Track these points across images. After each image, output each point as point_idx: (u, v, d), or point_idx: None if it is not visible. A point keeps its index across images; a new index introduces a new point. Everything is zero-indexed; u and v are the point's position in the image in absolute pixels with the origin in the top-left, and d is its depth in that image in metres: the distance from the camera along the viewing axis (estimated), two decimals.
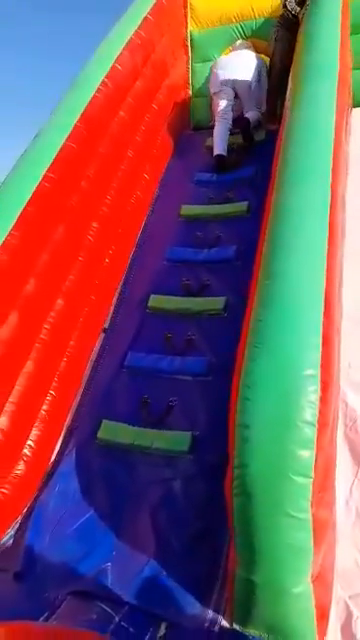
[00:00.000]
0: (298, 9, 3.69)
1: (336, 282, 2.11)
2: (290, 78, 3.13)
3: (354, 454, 2.30)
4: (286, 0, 3.79)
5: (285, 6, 3.81)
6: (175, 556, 2.08)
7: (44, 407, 2.43)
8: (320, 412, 1.64)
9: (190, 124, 4.57)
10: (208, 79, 4.21)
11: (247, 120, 3.70)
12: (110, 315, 3.10)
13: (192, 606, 1.93)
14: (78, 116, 2.64)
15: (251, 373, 1.71)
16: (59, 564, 2.12)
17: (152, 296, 3.06)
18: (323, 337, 1.76)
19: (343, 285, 2.70)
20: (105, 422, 2.55)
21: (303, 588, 1.69)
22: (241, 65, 3.77)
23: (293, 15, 3.75)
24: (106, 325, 3.06)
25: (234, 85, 3.75)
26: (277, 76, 3.74)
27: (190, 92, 4.56)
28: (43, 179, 2.35)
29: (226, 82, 3.74)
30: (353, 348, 2.57)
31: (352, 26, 3.65)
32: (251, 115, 3.78)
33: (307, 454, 1.60)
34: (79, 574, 2.07)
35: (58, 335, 2.51)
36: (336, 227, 2.21)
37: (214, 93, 3.80)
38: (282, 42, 3.80)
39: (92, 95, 2.78)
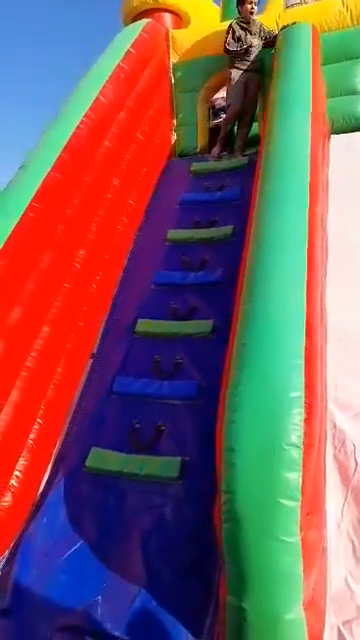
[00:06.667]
0: (237, 46, 4.15)
1: (317, 304, 2.14)
2: (266, 108, 3.24)
3: (343, 476, 2.29)
4: (226, 43, 4.18)
5: (226, 50, 4.20)
6: (166, 586, 2.04)
7: (31, 436, 2.41)
8: (305, 434, 1.65)
9: (175, 151, 4.68)
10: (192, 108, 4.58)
11: None
12: (98, 341, 3.11)
13: (184, 638, 1.89)
14: (62, 147, 2.70)
15: (236, 396, 1.72)
16: (48, 598, 2.07)
17: (139, 320, 3.07)
18: (306, 359, 1.79)
19: (329, 307, 2.75)
20: (94, 450, 2.53)
21: (295, 615, 1.67)
22: None
23: (236, 52, 4.16)
24: (94, 351, 3.06)
25: None
26: (233, 112, 4.38)
27: (174, 121, 4.69)
28: (28, 209, 2.38)
29: None
30: (339, 369, 2.58)
31: (324, 57, 3.80)
32: None
33: (294, 476, 1.61)
34: (68, 608, 2.02)
35: (45, 363, 2.51)
36: (315, 251, 2.26)
37: None
38: (238, 84, 4.27)
39: (76, 126, 2.85)
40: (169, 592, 2.02)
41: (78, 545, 2.22)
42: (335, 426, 2.45)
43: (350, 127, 4.06)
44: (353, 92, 4.11)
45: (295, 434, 1.63)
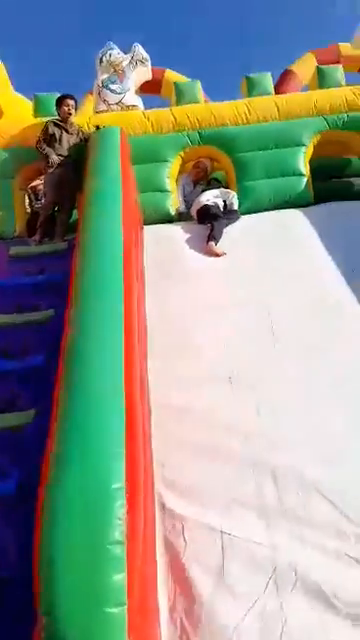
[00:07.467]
0: (46, 148, 4.36)
1: (137, 386, 2.17)
2: (82, 200, 3.42)
3: (174, 559, 2.21)
4: (37, 142, 4.43)
5: (37, 148, 4.43)
6: None
7: None
8: (128, 526, 1.58)
9: None
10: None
11: None
12: None
13: None
14: None
15: (53, 499, 1.59)
16: None
17: None
18: (127, 445, 1.75)
19: (155, 384, 2.82)
20: None
21: None
22: None
23: (45, 155, 4.37)
24: None
25: None
26: (49, 201, 4.55)
27: None
28: None
29: None
30: (164, 445, 2.60)
31: (134, 157, 4.23)
32: None
33: (118, 578, 1.50)
34: None
35: None
36: (132, 334, 2.33)
37: None
38: (54, 177, 4.41)
39: None
40: None
41: None
42: (164, 507, 2.40)
43: (160, 219, 4.59)
44: (160, 189, 4.71)
45: (118, 529, 1.55)
